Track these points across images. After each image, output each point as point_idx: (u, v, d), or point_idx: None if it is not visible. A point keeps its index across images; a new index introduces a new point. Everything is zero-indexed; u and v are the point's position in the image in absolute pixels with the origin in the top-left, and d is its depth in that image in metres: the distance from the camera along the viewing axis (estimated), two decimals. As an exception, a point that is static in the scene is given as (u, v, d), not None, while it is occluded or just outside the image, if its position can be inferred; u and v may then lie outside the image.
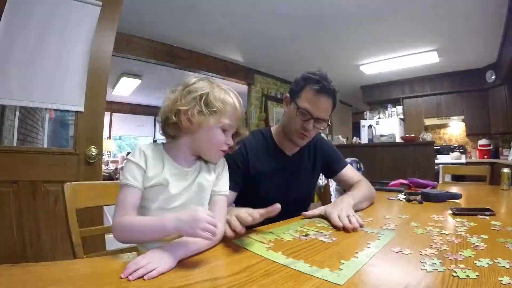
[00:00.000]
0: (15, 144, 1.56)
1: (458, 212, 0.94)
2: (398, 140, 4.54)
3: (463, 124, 5.37)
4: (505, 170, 1.68)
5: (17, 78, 1.47)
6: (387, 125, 5.47)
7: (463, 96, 5.11)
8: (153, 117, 8.08)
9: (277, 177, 1.10)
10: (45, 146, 1.65)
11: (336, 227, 0.79)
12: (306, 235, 0.72)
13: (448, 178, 2.95)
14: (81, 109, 1.62)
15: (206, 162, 0.79)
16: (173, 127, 0.72)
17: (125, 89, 6.05)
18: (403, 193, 1.39)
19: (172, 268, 0.51)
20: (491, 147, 4.89)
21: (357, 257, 0.56)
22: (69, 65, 1.59)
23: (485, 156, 4.85)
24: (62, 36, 1.57)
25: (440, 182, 2.67)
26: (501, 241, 0.65)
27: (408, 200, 1.24)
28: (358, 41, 3.96)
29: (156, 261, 0.51)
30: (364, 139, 5.29)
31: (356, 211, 0.94)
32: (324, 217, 0.88)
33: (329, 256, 0.57)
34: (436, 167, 3.90)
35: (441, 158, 5.07)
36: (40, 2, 1.53)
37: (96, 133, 1.68)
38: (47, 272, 0.50)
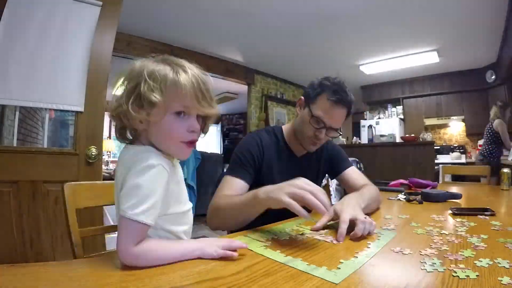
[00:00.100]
0: (15, 144, 1.55)
1: (458, 212, 0.94)
2: (398, 140, 4.55)
3: (463, 124, 5.37)
4: (505, 170, 1.68)
5: (17, 78, 1.47)
6: (387, 125, 5.48)
7: (463, 96, 5.11)
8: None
9: (285, 177, 1.09)
10: (45, 146, 1.64)
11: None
12: (302, 234, 0.72)
13: (448, 178, 2.95)
14: (81, 109, 1.62)
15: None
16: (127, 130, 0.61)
17: (125, 89, 6.05)
18: (403, 193, 1.39)
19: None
20: (491, 147, 4.88)
21: (356, 257, 0.56)
22: (69, 65, 1.59)
23: (485, 156, 4.84)
24: (62, 36, 1.57)
25: (440, 182, 2.67)
26: (501, 241, 0.65)
27: (408, 200, 1.24)
28: (358, 41, 3.96)
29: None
30: (364, 139, 5.29)
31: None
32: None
33: (329, 255, 0.57)
34: (436, 167, 3.90)
35: (441, 158, 5.07)
36: (40, 2, 1.53)
37: (96, 133, 1.69)
38: (47, 272, 0.50)
